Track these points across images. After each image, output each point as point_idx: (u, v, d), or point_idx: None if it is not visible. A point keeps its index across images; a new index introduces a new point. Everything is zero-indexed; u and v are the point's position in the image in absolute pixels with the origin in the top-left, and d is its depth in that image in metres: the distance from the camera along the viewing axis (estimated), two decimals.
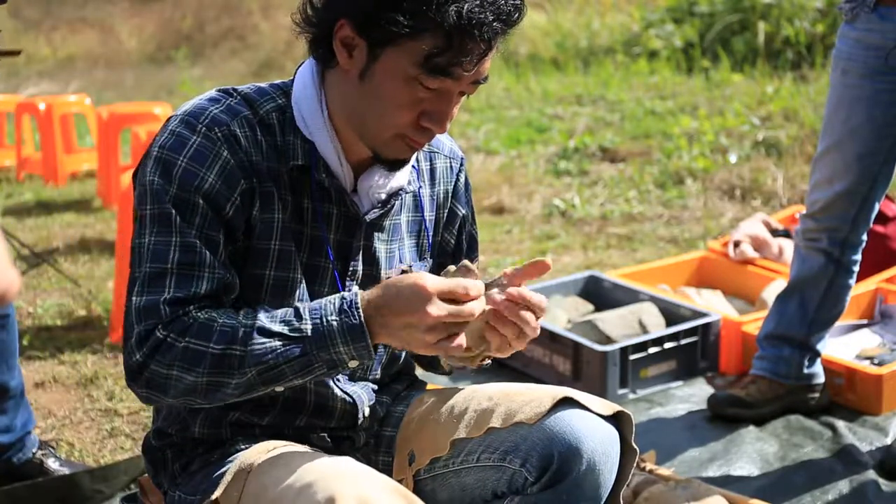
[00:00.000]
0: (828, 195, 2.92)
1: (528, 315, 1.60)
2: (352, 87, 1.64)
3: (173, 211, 1.61)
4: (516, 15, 1.60)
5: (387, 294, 1.56)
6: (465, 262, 1.67)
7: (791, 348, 3.11)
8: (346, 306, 1.56)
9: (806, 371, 3.13)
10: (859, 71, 2.79)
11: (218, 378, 1.56)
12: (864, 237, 3.00)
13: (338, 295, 1.60)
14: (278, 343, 1.55)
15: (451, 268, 1.66)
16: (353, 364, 1.58)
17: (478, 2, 1.54)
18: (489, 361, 1.83)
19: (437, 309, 1.52)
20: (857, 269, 3.04)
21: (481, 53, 1.59)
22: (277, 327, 1.56)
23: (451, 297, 1.53)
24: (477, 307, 1.54)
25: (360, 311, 1.55)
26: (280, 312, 1.59)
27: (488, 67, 1.64)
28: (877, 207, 2.94)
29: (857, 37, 2.79)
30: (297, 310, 1.59)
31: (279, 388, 1.60)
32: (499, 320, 1.62)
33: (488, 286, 1.62)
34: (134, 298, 1.59)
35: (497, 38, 1.59)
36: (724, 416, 3.14)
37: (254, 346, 1.55)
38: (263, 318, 1.58)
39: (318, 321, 1.56)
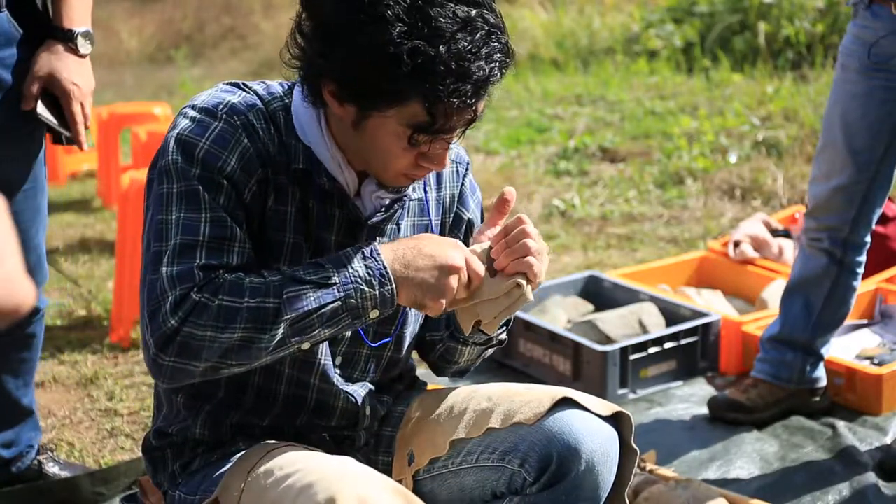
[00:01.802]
0: (825, 190, 2.92)
1: (528, 260, 1.65)
2: (348, 131, 1.65)
3: (201, 188, 1.60)
4: (501, 73, 1.60)
5: (415, 241, 1.63)
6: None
7: (794, 352, 3.10)
8: (367, 254, 1.61)
9: (808, 375, 3.12)
10: (855, 66, 2.82)
11: (252, 334, 1.55)
12: (868, 239, 2.99)
13: (355, 247, 1.63)
14: (311, 290, 1.56)
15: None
16: (373, 315, 1.60)
17: (455, 79, 1.53)
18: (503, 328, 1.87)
19: (461, 258, 1.61)
20: (861, 270, 3.02)
21: (469, 119, 1.60)
22: (307, 276, 1.58)
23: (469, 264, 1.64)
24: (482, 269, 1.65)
25: (382, 256, 1.60)
26: (303, 266, 1.61)
27: (483, 106, 1.63)
28: (879, 210, 2.94)
29: (856, 33, 2.82)
30: (317, 262, 1.61)
31: (305, 346, 1.60)
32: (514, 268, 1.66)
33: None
34: (164, 269, 1.57)
35: (481, 101, 1.60)
36: (723, 420, 3.13)
37: (287, 295, 1.55)
38: (290, 272, 1.59)
39: (343, 269, 1.59)
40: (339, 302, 1.57)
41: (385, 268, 1.59)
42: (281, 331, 1.56)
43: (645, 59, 8.42)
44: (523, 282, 1.65)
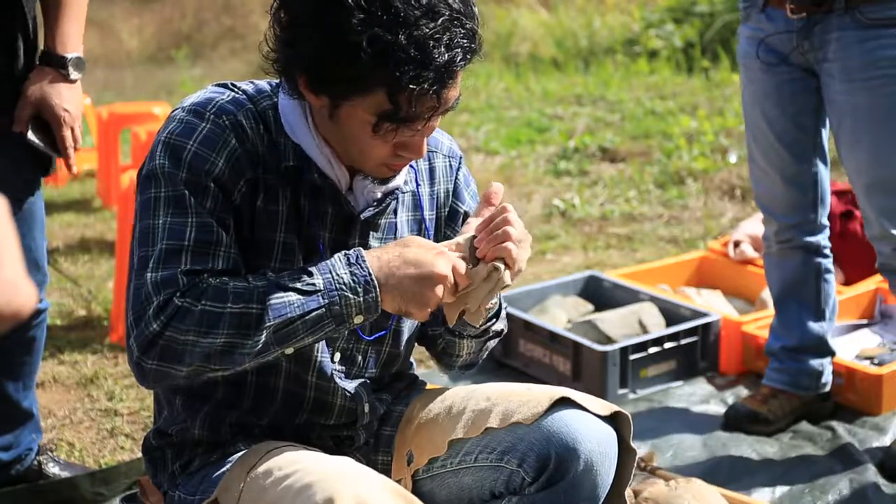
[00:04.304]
0: (776, 185, 2.97)
1: (506, 245, 1.65)
2: (327, 122, 1.66)
3: (187, 192, 1.61)
4: (465, 60, 1.58)
5: (398, 250, 1.62)
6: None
7: (813, 357, 3.10)
8: (353, 260, 1.60)
9: (824, 380, 3.12)
10: (758, 66, 2.90)
11: (234, 339, 1.55)
12: (827, 219, 3.05)
13: (341, 252, 1.62)
14: (294, 297, 1.57)
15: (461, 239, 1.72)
16: (358, 320, 1.60)
17: (416, 66, 1.53)
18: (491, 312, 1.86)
19: (447, 266, 1.61)
20: (829, 251, 3.08)
21: (433, 107, 1.59)
22: (291, 283, 1.58)
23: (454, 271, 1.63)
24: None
25: (367, 262, 1.59)
26: (288, 272, 1.61)
27: (455, 95, 1.62)
28: (828, 187, 3.01)
29: (750, 35, 2.92)
30: (304, 268, 1.61)
31: (288, 351, 1.61)
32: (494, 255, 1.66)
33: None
34: (149, 274, 1.58)
35: (447, 88, 1.58)
36: (745, 432, 3.08)
37: (271, 302, 1.56)
38: (275, 277, 1.60)
39: (328, 275, 1.59)
40: (322, 309, 1.58)
41: (370, 274, 1.59)
42: (263, 337, 1.56)
43: (645, 59, 8.42)
44: (500, 266, 1.65)
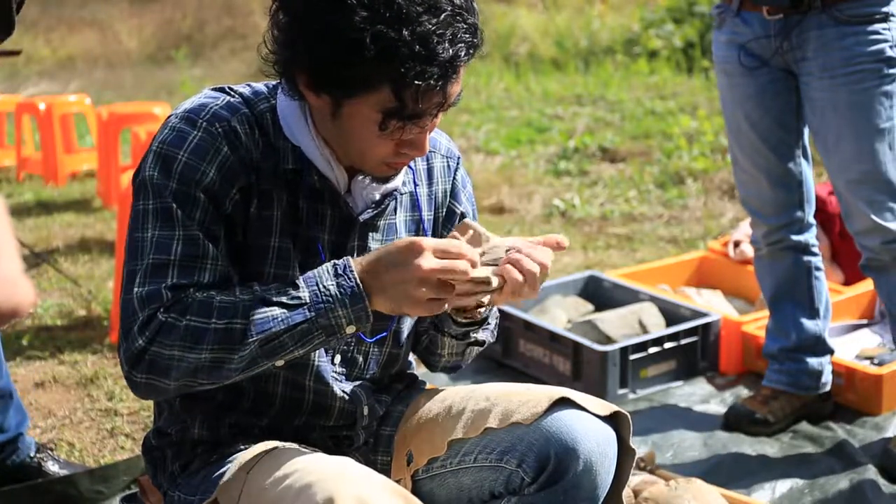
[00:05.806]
0: (763, 188, 2.99)
1: (532, 268, 1.62)
2: (328, 123, 1.65)
3: (174, 205, 1.61)
4: (468, 55, 1.58)
5: (379, 253, 1.59)
6: (466, 220, 1.71)
7: (812, 356, 3.09)
8: (340, 270, 1.58)
9: (824, 379, 3.12)
10: (738, 70, 2.91)
11: (220, 354, 1.55)
12: (813, 217, 3.07)
13: (329, 262, 1.61)
14: (279, 312, 1.56)
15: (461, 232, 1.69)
16: (350, 330, 1.59)
17: (421, 62, 1.52)
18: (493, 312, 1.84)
19: (429, 262, 1.55)
20: (817, 250, 3.09)
21: (439, 102, 1.59)
22: (276, 297, 1.57)
23: (444, 255, 1.57)
24: (470, 268, 1.58)
25: (355, 272, 1.58)
26: (276, 284, 1.60)
27: (458, 90, 1.62)
28: (813, 185, 3.03)
29: (727, 40, 2.92)
30: (292, 280, 1.61)
31: (279, 363, 1.60)
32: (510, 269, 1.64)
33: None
34: (136, 289, 1.59)
35: (451, 84, 1.58)
36: (745, 433, 3.09)
37: (255, 317, 1.55)
38: (261, 291, 1.59)
39: (314, 287, 1.58)
40: (308, 322, 1.56)
41: (357, 285, 1.57)
42: (250, 351, 1.56)
43: (645, 59, 8.43)
44: (494, 281, 1.62)
